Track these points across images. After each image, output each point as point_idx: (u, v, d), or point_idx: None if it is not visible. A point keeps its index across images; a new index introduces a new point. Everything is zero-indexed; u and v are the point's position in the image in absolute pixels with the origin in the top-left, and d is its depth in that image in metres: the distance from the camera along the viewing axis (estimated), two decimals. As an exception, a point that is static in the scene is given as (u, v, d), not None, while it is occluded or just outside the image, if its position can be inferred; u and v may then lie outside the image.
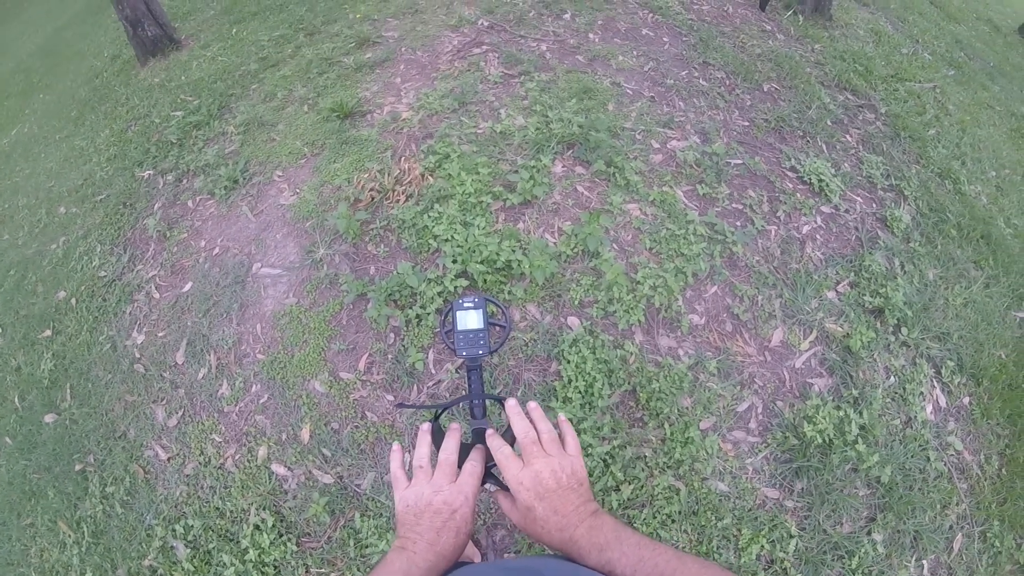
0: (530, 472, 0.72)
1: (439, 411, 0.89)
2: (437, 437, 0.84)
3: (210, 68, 4.28)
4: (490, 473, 0.80)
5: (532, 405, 0.80)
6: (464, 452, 0.80)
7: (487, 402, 0.87)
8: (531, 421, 0.78)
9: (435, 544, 0.70)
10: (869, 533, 1.98)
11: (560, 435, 0.78)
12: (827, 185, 2.93)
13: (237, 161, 3.23)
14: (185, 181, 3.34)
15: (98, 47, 5.96)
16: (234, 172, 3.12)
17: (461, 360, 0.88)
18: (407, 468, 0.80)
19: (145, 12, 4.53)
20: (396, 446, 0.82)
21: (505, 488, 0.77)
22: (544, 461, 0.73)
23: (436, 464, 0.77)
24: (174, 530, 2.16)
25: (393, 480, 0.78)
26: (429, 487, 0.74)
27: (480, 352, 0.86)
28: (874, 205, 3.00)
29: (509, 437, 0.79)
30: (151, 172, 3.52)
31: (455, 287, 2.29)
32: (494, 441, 0.77)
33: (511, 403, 0.79)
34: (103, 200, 3.52)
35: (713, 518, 1.97)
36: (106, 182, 3.65)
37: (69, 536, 2.33)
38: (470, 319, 0.88)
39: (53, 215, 3.74)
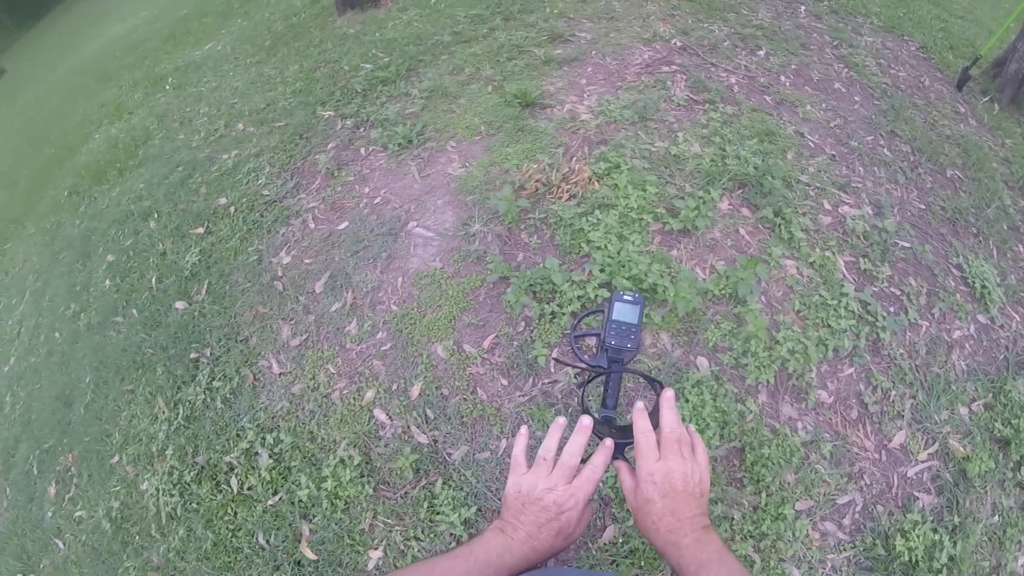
0: (664, 467, 0.72)
1: (592, 375, 0.89)
2: (586, 401, 0.85)
3: (405, 31, 4.48)
4: (622, 455, 0.80)
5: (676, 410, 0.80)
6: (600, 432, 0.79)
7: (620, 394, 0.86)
8: None
9: (534, 537, 0.71)
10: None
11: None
12: (989, 293, 2.70)
13: (415, 123, 3.36)
14: (362, 129, 3.52)
15: (300, -11, 6.43)
16: (410, 132, 3.26)
17: (605, 349, 0.86)
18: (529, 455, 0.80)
19: (350, -33, 4.88)
20: (524, 430, 0.82)
21: (631, 467, 0.78)
22: (679, 461, 0.73)
23: (559, 458, 0.77)
24: (264, 439, 2.29)
25: (513, 463, 0.79)
26: (545, 481, 0.74)
27: (628, 345, 0.85)
28: (1031, 325, 2.72)
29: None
30: (331, 113, 3.74)
31: (596, 295, 2.29)
32: (642, 421, 0.77)
33: (669, 394, 0.79)
34: (281, 127, 3.80)
35: (777, 601, 1.88)
36: (287, 112, 3.94)
37: (163, 412, 2.53)
38: (627, 312, 0.88)
39: (231, 129, 4.08)
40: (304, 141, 3.59)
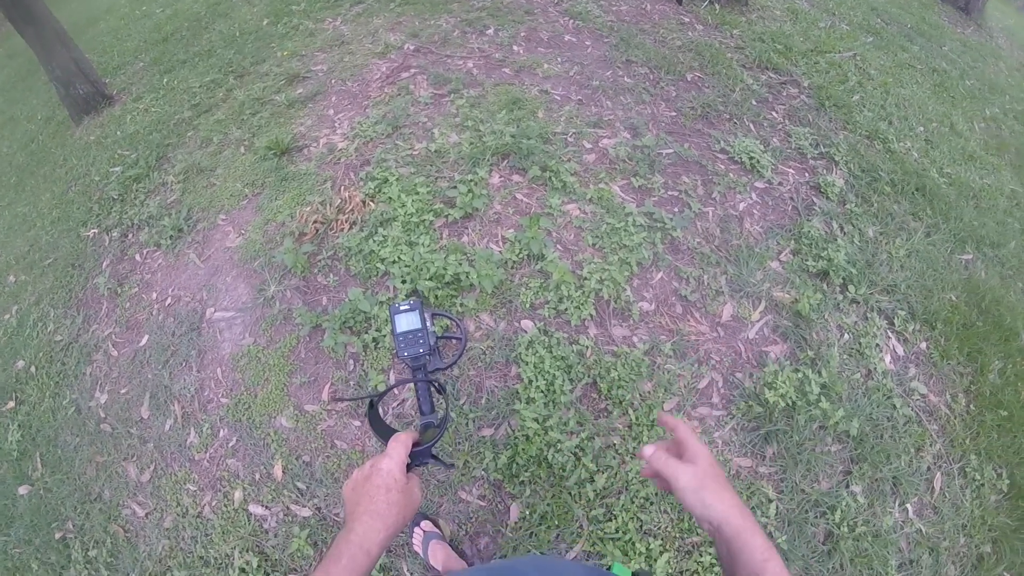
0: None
1: (375, 399, 0.92)
2: (376, 424, 0.89)
3: (144, 120, 4.26)
4: (433, 456, 0.85)
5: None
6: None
7: (434, 398, 0.92)
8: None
9: (377, 513, 0.74)
10: (847, 486, 2.03)
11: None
12: (758, 162, 3.03)
13: (180, 210, 3.23)
14: (130, 236, 3.33)
15: (31, 111, 5.87)
16: (178, 221, 3.12)
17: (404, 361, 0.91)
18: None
19: (75, 71, 4.50)
20: None
21: (448, 466, 0.86)
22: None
23: None
24: (161, 585, 2.13)
25: None
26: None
27: (421, 351, 0.90)
28: (806, 174, 3.10)
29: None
30: (96, 231, 3.49)
31: (409, 304, 2.33)
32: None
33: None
34: (51, 264, 3.49)
35: (690, 494, 2.03)
36: (52, 246, 3.62)
37: (58, 607, 2.28)
38: (407, 320, 0.92)
39: (3, 284, 3.68)
40: (77, 270, 3.32)
